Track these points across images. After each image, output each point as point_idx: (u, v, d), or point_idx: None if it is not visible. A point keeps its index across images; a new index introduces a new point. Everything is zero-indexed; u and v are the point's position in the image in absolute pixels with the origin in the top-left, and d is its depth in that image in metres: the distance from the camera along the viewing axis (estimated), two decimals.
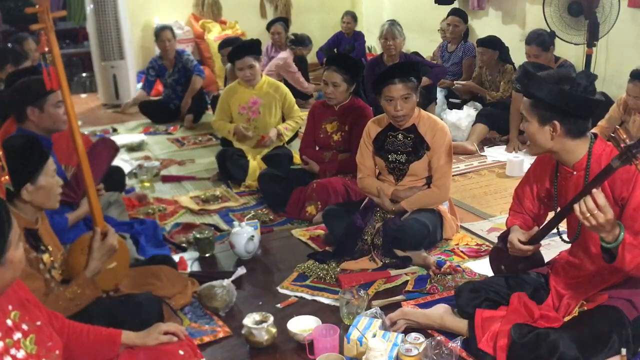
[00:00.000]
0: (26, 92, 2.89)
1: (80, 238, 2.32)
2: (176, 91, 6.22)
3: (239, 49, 4.38)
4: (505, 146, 5.04)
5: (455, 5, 6.77)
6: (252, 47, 4.40)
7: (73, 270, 2.22)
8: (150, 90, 6.50)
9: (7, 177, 1.97)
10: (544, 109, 2.13)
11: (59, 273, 2.23)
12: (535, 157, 2.49)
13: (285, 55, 6.59)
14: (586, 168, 2.16)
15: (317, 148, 3.98)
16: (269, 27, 7.07)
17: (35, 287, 2.03)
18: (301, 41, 6.85)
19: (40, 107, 2.88)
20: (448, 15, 6.25)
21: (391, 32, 5.09)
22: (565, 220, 2.31)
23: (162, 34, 6.07)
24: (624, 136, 1.87)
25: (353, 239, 3.11)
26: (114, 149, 3.64)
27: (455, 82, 5.84)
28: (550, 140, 2.15)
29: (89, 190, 2.30)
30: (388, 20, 5.30)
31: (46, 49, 2.19)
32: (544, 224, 2.38)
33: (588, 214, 1.92)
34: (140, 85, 6.91)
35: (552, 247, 2.88)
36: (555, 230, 2.31)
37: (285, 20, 7.26)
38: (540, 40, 4.70)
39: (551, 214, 2.38)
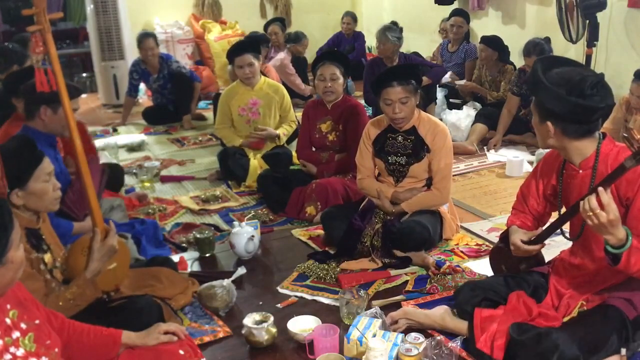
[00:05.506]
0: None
1: (81, 238, 2.31)
2: (163, 94, 6.12)
3: (238, 47, 4.36)
4: (504, 147, 5.03)
5: (455, 5, 6.78)
6: (251, 45, 4.39)
7: (73, 271, 2.22)
8: (137, 94, 6.33)
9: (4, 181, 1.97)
10: (540, 108, 2.16)
11: (61, 273, 2.23)
12: (535, 155, 2.48)
13: (282, 56, 6.55)
14: (593, 167, 2.14)
15: (313, 149, 3.98)
16: (265, 28, 7.04)
17: (35, 287, 2.02)
18: (295, 38, 6.85)
19: (54, 109, 2.85)
20: (451, 16, 6.25)
21: (378, 37, 5.12)
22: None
23: (145, 42, 5.83)
24: (638, 136, 1.86)
25: (352, 242, 3.10)
26: (102, 172, 3.24)
27: (455, 81, 5.85)
28: (549, 137, 2.16)
29: (88, 190, 2.29)
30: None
31: (37, 50, 2.15)
32: (549, 223, 2.36)
33: (590, 213, 1.91)
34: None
35: (553, 247, 2.87)
36: (558, 230, 2.30)
37: (282, 20, 7.22)
38: (539, 50, 4.71)
39: (555, 214, 2.37)
